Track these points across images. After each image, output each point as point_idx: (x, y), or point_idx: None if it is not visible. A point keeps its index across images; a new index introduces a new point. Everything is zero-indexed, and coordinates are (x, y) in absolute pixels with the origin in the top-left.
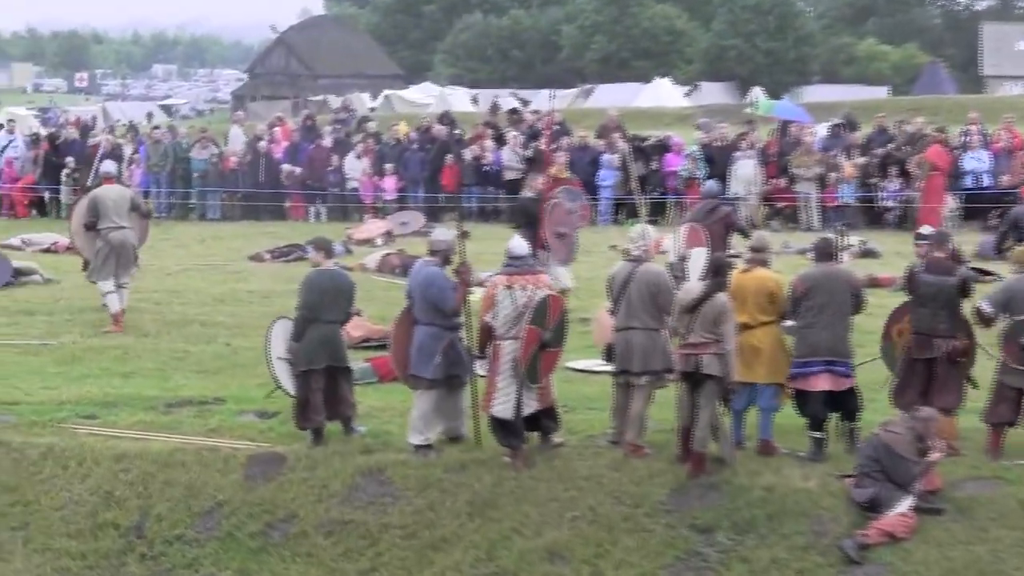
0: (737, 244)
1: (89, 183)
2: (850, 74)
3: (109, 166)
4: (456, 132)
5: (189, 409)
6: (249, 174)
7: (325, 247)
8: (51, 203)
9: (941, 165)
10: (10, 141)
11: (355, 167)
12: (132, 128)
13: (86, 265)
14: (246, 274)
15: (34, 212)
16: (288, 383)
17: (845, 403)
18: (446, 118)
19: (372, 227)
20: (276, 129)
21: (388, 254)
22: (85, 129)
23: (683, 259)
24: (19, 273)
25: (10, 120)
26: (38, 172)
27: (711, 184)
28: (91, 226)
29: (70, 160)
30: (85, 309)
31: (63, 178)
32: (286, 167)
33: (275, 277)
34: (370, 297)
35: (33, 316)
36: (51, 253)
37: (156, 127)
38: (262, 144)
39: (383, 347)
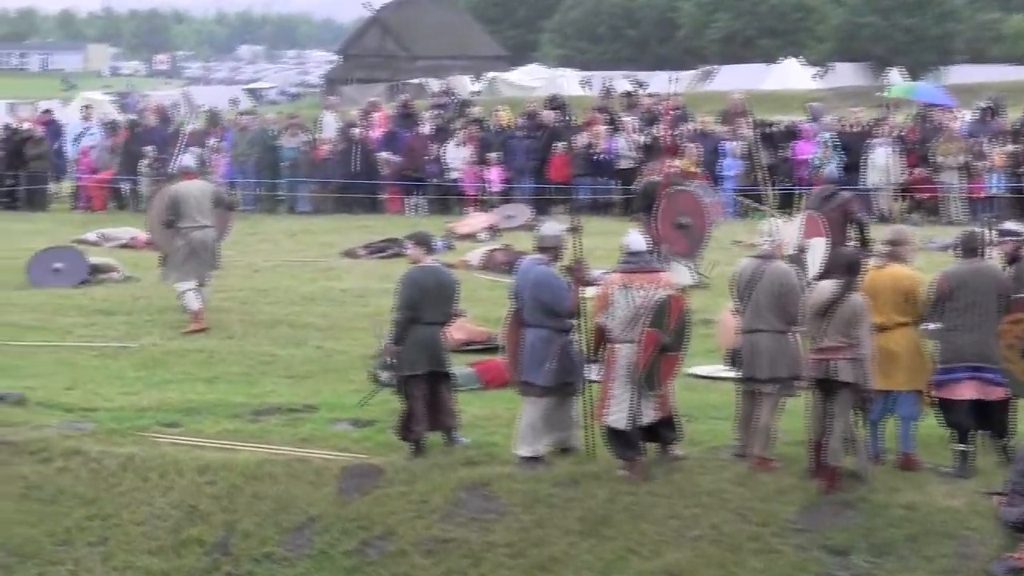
0: (857, 237)
1: (169, 175)
2: (998, 53)
3: (188, 160)
4: (566, 118)
5: (278, 417)
6: (342, 163)
7: (424, 242)
8: (130, 195)
9: None
10: (86, 129)
11: (456, 156)
12: (215, 114)
13: (164, 261)
14: (339, 271)
15: (112, 204)
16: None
17: (994, 414)
18: (555, 103)
19: (475, 221)
20: (373, 115)
21: (493, 250)
22: (165, 116)
23: (802, 250)
24: (96, 270)
25: (86, 106)
26: (116, 163)
27: (831, 169)
28: (170, 224)
29: (150, 149)
30: (166, 309)
31: (142, 168)
32: (383, 155)
33: (370, 275)
34: (473, 297)
35: (111, 316)
36: (130, 249)
37: (242, 113)
38: (356, 131)
39: (488, 351)
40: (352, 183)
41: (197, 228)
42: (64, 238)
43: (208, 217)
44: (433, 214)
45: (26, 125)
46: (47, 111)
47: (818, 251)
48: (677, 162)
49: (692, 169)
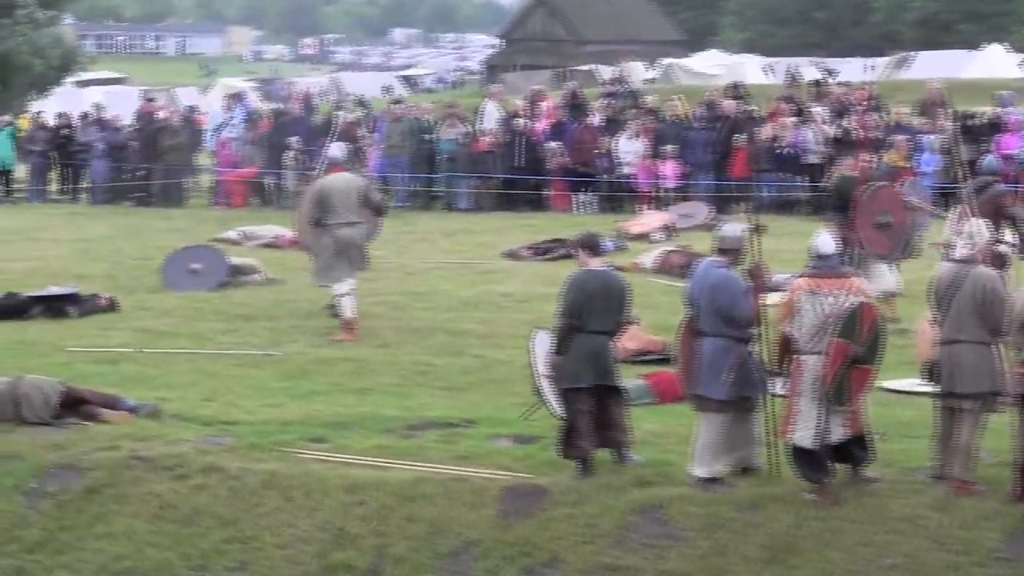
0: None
1: (316, 169)
2: None
3: (336, 151)
4: (748, 108)
5: (434, 432)
6: (504, 157)
7: (593, 243)
8: (273, 190)
9: None
10: (229, 119)
11: (629, 149)
12: (366, 103)
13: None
14: (501, 274)
15: (254, 200)
16: (553, 403)
17: None
18: (736, 91)
19: (649, 220)
20: (538, 105)
21: (668, 252)
22: (312, 105)
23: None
24: (237, 271)
25: (231, 95)
26: (259, 155)
27: (990, 159)
28: (317, 221)
29: (295, 140)
30: (313, 314)
31: (287, 162)
32: (549, 148)
33: (535, 278)
34: (647, 303)
35: (253, 322)
36: (273, 248)
37: (396, 102)
38: (520, 122)
39: (662, 361)
40: (515, 178)
41: (345, 225)
42: (202, 236)
43: (356, 213)
44: (603, 212)
45: (161, 114)
46: (191, 108)
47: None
48: (885, 157)
49: (901, 164)
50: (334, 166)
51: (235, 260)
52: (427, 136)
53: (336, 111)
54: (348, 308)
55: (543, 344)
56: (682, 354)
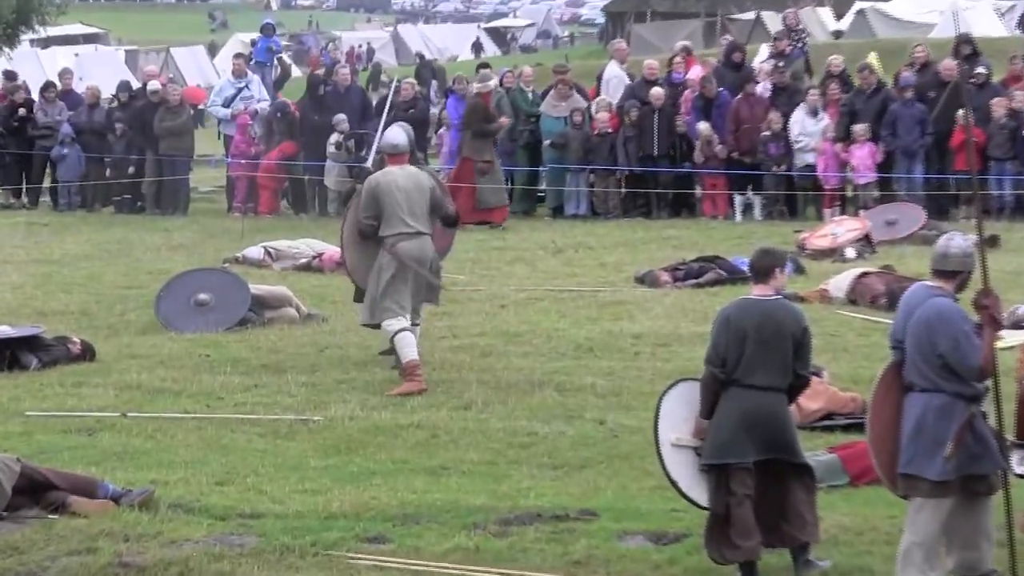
0: None
1: (368, 161)
2: None
3: (396, 135)
4: (977, 71)
5: (538, 528)
6: (636, 142)
7: (769, 262)
8: (312, 191)
9: None
10: (243, 88)
11: (809, 130)
12: (436, 69)
13: (359, 294)
14: (631, 307)
15: (285, 205)
16: (694, 486)
17: None
18: (961, 48)
19: (838, 229)
20: (685, 68)
21: (864, 273)
22: (355, 66)
23: None
24: (262, 305)
25: (240, 55)
26: (290, 141)
27: None
28: (369, 231)
29: (342, 120)
30: (367, 364)
31: (331, 150)
32: (699, 128)
33: (679, 312)
34: (835, 345)
35: (283, 375)
36: (313, 272)
37: (482, 66)
38: (654, 92)
39: (857, 427)
40: (650, 172)
41: (408, 236)
42: (213, 256)
43: (425, 221)
44: (773, 219)
45: (154, 84)
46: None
47: None
48: None
49: None
50: (393, 156)
51: (259, 289)
52: (526, 114)
53: (397, 79)
54: (407, 347)
55: (680, 400)
56: (882, 416)
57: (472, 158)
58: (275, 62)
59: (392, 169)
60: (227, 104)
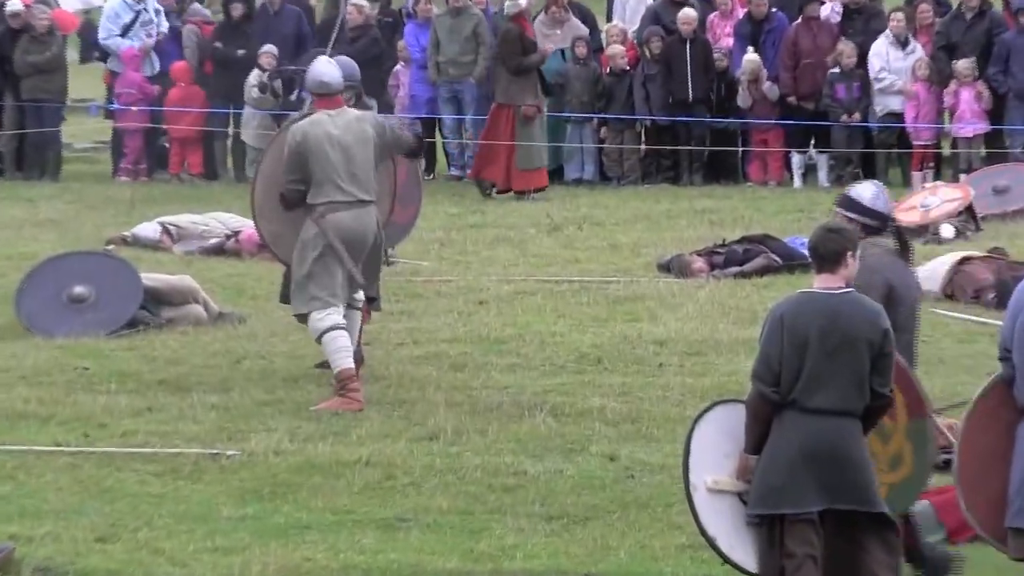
0: None
1: (305, 107)
2: None
3: (324, 70)
4: None
5: None
6: (659, 83)
7: (831, 246)
8: (225, 148)
9: None
10: (141, 10)
11: (892, 66)
12: None
13: (287, 286)
14: (653, 303)
15: (189, 168)
16: (737, 544)
17: None
18: None
19: (932, 199)
20: None
21: (966, 259)
22: None
23: None
24: (158, 300)
25: None
26: (201, 83)
27: None
28: (296, 198)
29: (267, 51)
30: (298, 379)
31: (251, 93)
32: (748, 61)
33: (716, 310)
34: (927, 355)
35: (188, 394)
36: (227, 256)
37: None
38: (688, 14)
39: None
40: (678, 123)
41: (345, 205)
42: (94, 235)
43: (367, 185)
44: (843, 185)
45: (14, 4)
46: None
47: None
48: None
49: None
50: (322, 97)
51: (155, 279)
52: (469, 43)
53: None
54: (339, 350)
55: (718, 429)
56: (980, 450)
57: (510, 103)
58: None
59: (321, 117)
60: (125, 33)
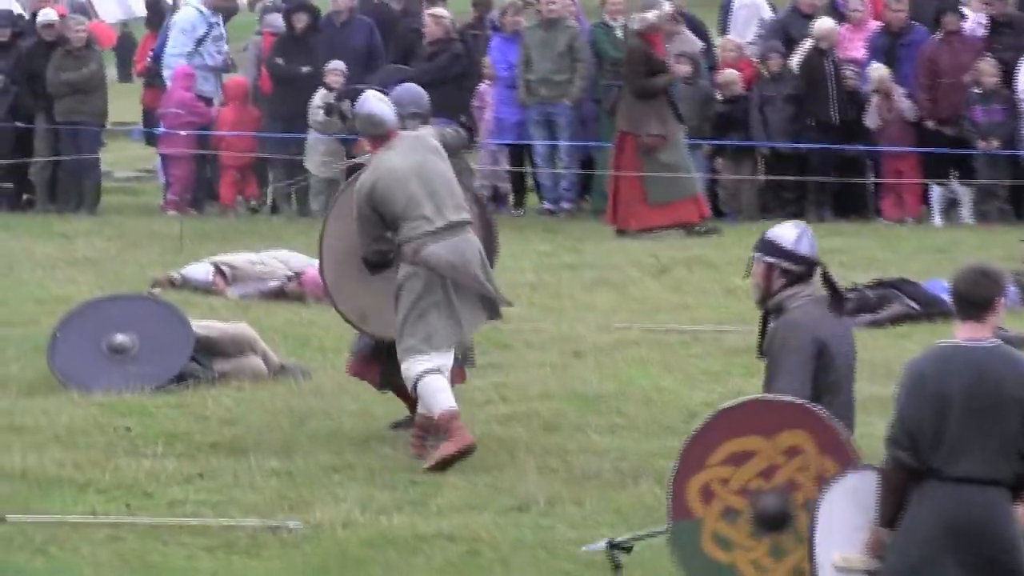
0: None
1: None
2: None
3: (373, 105)
4: None
5: None
6: (781, 106)
7: (973, 293)
8: (284, 179)
9: None
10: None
11: None
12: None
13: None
14: None
15: (244, 202)
16: None
17: None
18: None
19: None
20: None
21: None
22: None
23: None
24: (211, 351)
25: None
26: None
27: None
28: (381, 259)
29: (334, 69)
30: (369, 441)
31: (314, 115)
32: (877, 79)
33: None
34: None
35: (244, 458)
36: (289, 302)
37: None
38: (828, 27)
39: None
40: (799, 151)
41: (436, 235)
42: (137, 277)
43: (456, 203)
44: (991, 222)
45: (47, 14)
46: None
47: None
48: None
49: None
50: (376, 139)
51: (207, 327)
52: (612, 63)
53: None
54: (436, 393)
55: (847, 500)
56: None
57: (633, 130)
58: None
59: (383, 156)
60: (198, 48)
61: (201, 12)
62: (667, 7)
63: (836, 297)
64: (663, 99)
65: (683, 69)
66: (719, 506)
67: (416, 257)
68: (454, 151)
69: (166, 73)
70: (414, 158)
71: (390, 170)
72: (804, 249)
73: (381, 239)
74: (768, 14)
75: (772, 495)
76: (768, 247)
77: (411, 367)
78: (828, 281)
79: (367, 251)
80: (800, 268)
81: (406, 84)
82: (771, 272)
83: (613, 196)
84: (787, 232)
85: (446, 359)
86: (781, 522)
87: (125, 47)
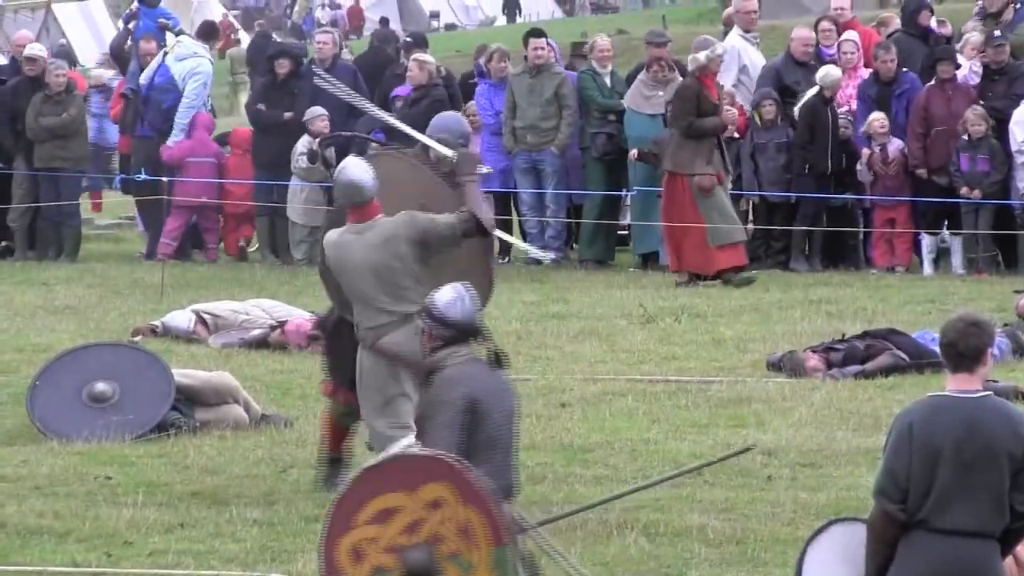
0: None
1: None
2: None
3: (354, 171)
4: None
5: None
6: (811, 146)
7: (963, 345)
8: (269, 226)
9: None
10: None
11: None
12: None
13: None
14: (762, 406)
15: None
16: None
17: None
18: None
19: None
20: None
21: None
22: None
23: None
24: (193, 400)
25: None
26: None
27: None
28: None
29: (316, 115)
30: None
31: (297, 162)
32: (875, 121)
33: (835, 416)
34: None
35: (226, 508)
36: (271, 350)
37: (535, 33)
38: (833, 74)
39: None
40: (783, 199)
41: (391, 326)
42: (118, 325)
43: (416, 292)
44: (979, 273)
45: (33, 48)
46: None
47: None
48: None
49: None
50: (355, 208)
51: (187, 376)
52: (601, 110)
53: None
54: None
55: (834, 552)
56: None
57: (681, 171)
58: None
59: (346, 235)
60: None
61: (212, 62)
62: (719, 49)
63: (496, 355)
64: (712, 142)
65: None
66: (369, 566)
67: (375, 347)
68: (450, 241)
69: (182, 123)
70: (370, 255)
71: (347, 257)
72: (454, 314)
73: (340, 305)
74: (750, 60)
75: (418, 550)
76: (425, 312)
77: (379, 427)
78: (486, 340)
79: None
80: (451, 333)
81: (450, 113)
82: (429, 335)
83: (672, 243)
84: (441, 296)
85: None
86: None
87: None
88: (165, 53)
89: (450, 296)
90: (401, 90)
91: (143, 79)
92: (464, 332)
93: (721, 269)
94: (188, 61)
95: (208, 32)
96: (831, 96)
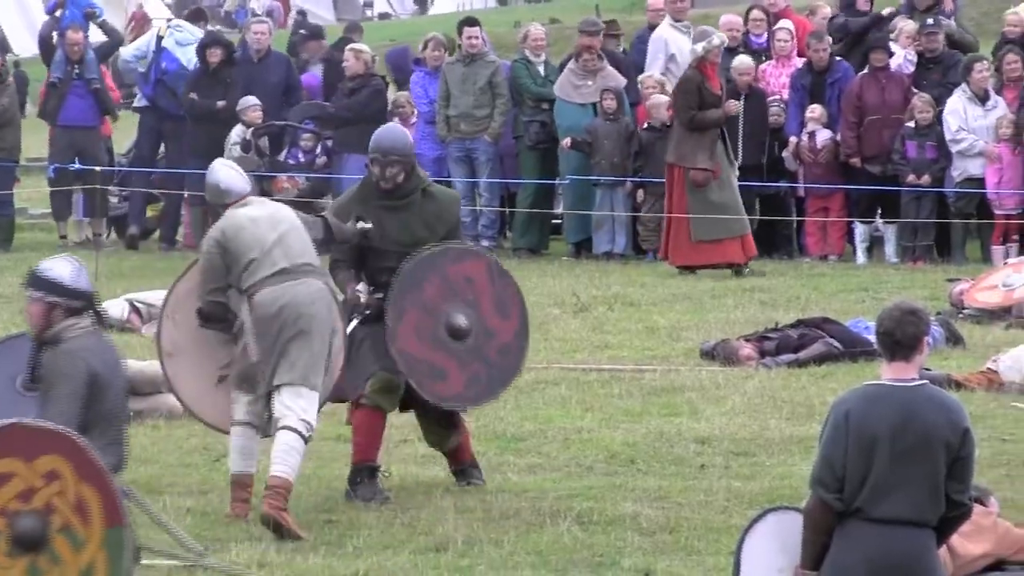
0: None
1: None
2: None
3: (221, 175)
4: None
5: None
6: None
7: (899, 333)
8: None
9: None
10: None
11: (972, 124)
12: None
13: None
14: (694, 395)
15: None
16: None
17: None
18: None
19: (1016, 275)
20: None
21: None
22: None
23: None
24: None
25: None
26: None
27: None
28: (215, 312)
29: (249, 104)
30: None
31: (230, 151)
32: (810, 117)
33: (768, 404)
34: (1011, 456)
35: (159, 497)
36: None
37: (469, 22)
38: (742, 63)
39: None
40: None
41: (281, 277)
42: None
43: (312, 254)
44: (912, 261)
45: None
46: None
47: None
48: None
49: None
50: (229, 206)
51: (137, 361)
52: (533, 98)
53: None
54: (232, 451)
55: (770, 541)
56: None
57: (680, 163)
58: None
59: (243, 209)
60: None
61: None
62: (716, 40)
63: (102, 325)
64: (714, 134)
65: (608, 104)
66: None
67: (253, 300)
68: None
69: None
70: (269, 210)
71: (243, 213)
72: (83, 284)
73: (217, 291)
74: (679, 49)
75: (29, 517)
76: (42, 283)
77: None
78: (97, 314)
79: (202, 301)
80: (79, 304)
81: (392, 126)
82: (51, 309)
83: (665, 231)
84: (63, 268)
85: (246, 412)
86: (38, 543)
87: (18, 83)
88: (160, 38)
89: (72, 267)
90: (307, 79)
91: (142, 67)
92: (89, 302)
93: (698, 264)
94: (192, 47)
95: (198, 16)
96: (744, 86)
